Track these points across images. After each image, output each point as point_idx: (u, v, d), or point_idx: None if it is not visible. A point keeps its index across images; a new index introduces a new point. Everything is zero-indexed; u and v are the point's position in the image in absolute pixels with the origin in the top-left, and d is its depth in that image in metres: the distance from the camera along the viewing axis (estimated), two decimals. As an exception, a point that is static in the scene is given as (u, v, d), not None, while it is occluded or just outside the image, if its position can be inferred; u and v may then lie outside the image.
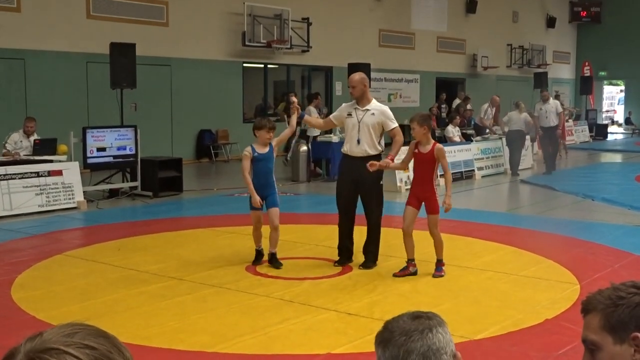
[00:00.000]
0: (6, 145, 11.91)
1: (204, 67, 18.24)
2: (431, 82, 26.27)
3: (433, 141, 7.03)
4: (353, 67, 16.73)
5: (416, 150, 6.93)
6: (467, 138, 17.34)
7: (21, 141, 11.99)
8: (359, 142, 7.18)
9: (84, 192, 11.47)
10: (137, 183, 12.53)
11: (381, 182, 7.42)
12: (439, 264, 7.03)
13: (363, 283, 6.82)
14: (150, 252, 8.09)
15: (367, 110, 7.21)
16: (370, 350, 5.16)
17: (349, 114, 7.31)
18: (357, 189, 7.30)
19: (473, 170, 15.33)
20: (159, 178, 12.48)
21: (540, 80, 25.97)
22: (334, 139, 15.11)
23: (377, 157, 7.27)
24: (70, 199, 11.14)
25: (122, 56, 12.68)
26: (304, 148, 14.82)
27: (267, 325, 5.56)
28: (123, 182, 12.73)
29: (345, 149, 7.35)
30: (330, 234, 8.83)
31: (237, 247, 8.31)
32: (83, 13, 15.84)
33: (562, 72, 34.64)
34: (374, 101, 7.38)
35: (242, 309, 5.99)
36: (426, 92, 25.79)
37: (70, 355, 1.04)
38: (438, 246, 7.05)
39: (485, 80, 28.50)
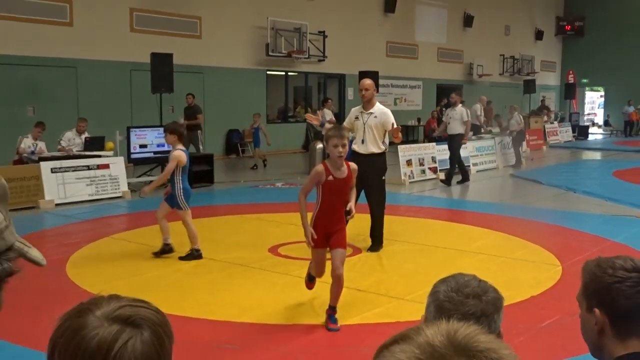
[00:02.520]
0: (61, 142, 12.03)
1: (232, 74, 18.27)
2: (432, 88, 26.17)
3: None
4: (363, 75, 16.64)
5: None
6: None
7: (74, 139, 12.11)
8: (363, 141, 7.22)
9: (128, 183, 11.53)
10: (174, 175, 12.60)
11: (383, 177, 7.42)
12: (331, 311, 4.93)
13: (371, 264, 6.86)
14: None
15: (371, 113, 7.21)
16: (377, 322, 5.21)
17: (357, 117, 7.35)
18: (362, 183, 7.17)
19: (469, 165, 15.27)
20: (193, 171, 12.51)
21: (529, 87, 25.87)
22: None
23: (381, 154, 7.30)
24: (116, 189, 11.22)
25: (161, 65, 12.75)
26: (320, 145, 14.82)
27: (288, 298, 5.61)
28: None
29: (355, 147, 7.35)
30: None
31: (261, 232, 8.36)
32: (127, 27, 15.91)
33: (549, 79, 34.42)
34: (377, 105, 7.35)
35: (264, 285, 6.04)
36: (428, 97, 25.73)
37: (145, 308, 1.08)
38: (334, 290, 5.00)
39: (480, 86, 28.32)
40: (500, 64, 30.16)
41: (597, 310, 1.60)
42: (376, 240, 7.42)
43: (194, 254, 6.98)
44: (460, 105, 13.53)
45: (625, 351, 1.58)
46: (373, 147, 7.22)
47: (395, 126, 7.20)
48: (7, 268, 1.11)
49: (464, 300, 1.64)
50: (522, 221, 9.32)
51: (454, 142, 13.22)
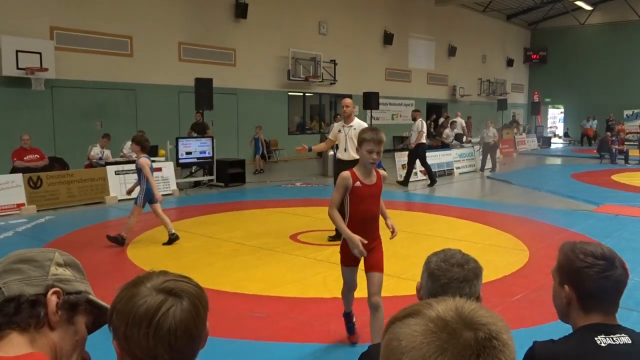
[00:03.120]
0: (123, 150, 12.10)
1: (260, 95, 18.31)
2: (423, 105, 26.04)
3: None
4: (367, 95, 16.67)
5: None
6: (447, 146, 17.14)
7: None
8: (345, 149, 7.08)
9: (176, 183, 11.56)
10: (213, 177, 12.64)
11: None
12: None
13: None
14: (222, 225, 8.16)
15: (351, 126, 7.06)
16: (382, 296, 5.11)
17: (339, 131, 7.19)
18: None
19: (453, 169, 15.20)
20: (228, 173, 12.59)
21: (502, 105, 25.69)
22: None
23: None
24: (167, 187, 11.26)
25: (203, 87, 12.79)
26: (331, 153, 14.72)
27: (305, 277, 5.60)
28: (203, 176, 12.85)
29: (338, 155, 7.21)
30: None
31: (284, 222, 8.36)
32: (176, 57, 15.98)
33: (518, 98, 34.22)
34: (355, 119, 7.19)
35: (287, 266, 6.04)
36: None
37: (185, 282, 1.12)
38: None
39: (462, 104, 28.19)
40: (479, 86, 30.03)
41: (567, 287, 1.61)
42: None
43: (172, 238, 6.95)
44: (419, 120, 12.96)
45: (587, 322, 1.59)
46: (354, 153, 7.06)
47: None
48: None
49: (449, 268, 1.67)
50: (496, 214, 9.25)
51: (420, 150, 12.70)
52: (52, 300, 1.00)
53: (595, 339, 1.54)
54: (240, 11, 17.25)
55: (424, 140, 12.83)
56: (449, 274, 1.67)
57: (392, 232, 3.88)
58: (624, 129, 23.47)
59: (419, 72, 25.70)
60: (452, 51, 27.50)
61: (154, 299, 1.05)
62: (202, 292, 1.13)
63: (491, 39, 30.88)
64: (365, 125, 7.24)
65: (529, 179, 14.19)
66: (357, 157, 6.94)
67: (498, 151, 18.38)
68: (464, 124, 17.88)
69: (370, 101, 16.36)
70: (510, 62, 32.92)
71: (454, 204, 10.14)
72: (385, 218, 3.89)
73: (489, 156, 16.07)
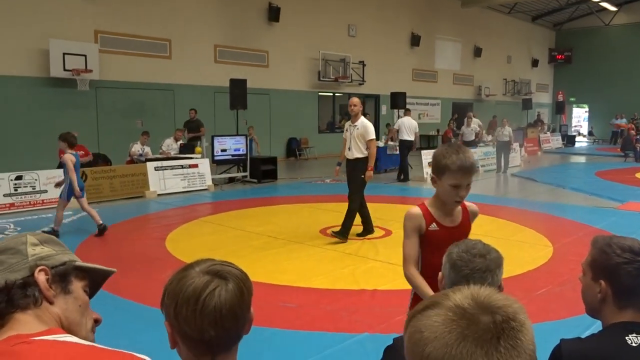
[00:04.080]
0: (162, 147, 12.29)
1: (291, 95, 18.35)
2: (448, 105, 25.75)
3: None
4: (394, 95, 16.56)
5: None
6: (472, 144, 16.78)
7: (172, 144, 12.34)
8: (350, 149, 6.89)
9: (212, 178, 11.66)
10: (247, 173, 12.73)
11: (362, 176, 6.81)
12: None
13: (400, 242, 6.74)
14: (255, 219, 8.20)
15: (356, 126, 6.85)
16: (403, 288, 5.11)
17: (346, 130, 7.04)
18: (347, 181, 7.08)
19: (477, 167, 14.96)
20: (261, 170, 12.65)
21: (527, 104, 25.20)
22: (380, 144, 14.98)
23: (363, 159, 6.81)
24: (203, 183, 11.37)
25: (238, 88, 12.87)
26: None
27: (334, 269, 5.60)
28: (238, 172, 12.94)
29: (344, 153, 7.05)
30: (375, 210, 8.80)
31: (314, 217, 8.37)
32: (212, 59, 16.13)
33: (543, 98, 33.50)
34: (361, 119, 6.89)
35: (316, 258, 6.04)
36: (445, 113, 25.31)
37: (230, 266, 1.18)
38: None
39: (487, 104, 27.79)
40: (504, 86, 29.51)
41: (602, 282, 1.53)
42: (342, 229, 6.81)
43: (100, 229, 6.95)
44: (409, 117, 13.44)
45: (621, 319, 1.51)
46: (357, 153, 6.86)
47: (368, 171, 6.77)
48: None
49: (472, 259, 1.64)
50: (520, 211, 9.09)
51: (404, 148, 13.08)
52: (41, 278, 1.00)
53: (627, 338, 1.46)
54: (273, 15, 17.31)
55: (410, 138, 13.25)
56: (472, 265, 1.64)
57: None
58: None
59: (445, 73, 25.39)
60: (477, 52, 27.10)
61: (200, 280, 1.10)
62: (246, 277, 1.18)
63: (516, 40, 30.30)
64: (370, 125, 6.94)
65: (553, 176, 13.89)
66: (359, 156, 6.78)
67: (523, 149, 18.05)
68: (478, 125, 17.11)
69: (397, 101, 16.23)
70: (535, 63, 32.26)
71: (479, 201, 9.98)
72: None
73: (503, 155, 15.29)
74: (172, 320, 1.10)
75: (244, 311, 1.12)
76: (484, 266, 1.64)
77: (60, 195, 7.05)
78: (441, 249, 1.96)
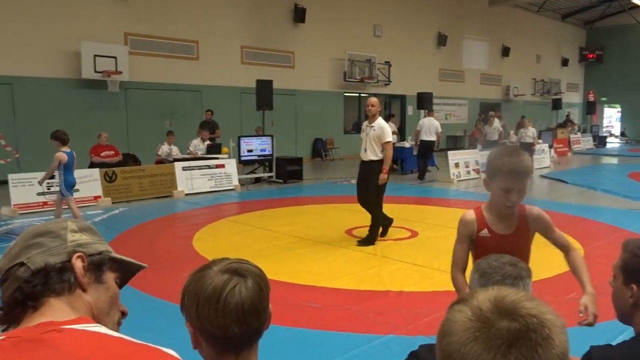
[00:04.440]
0: (189, 147, 12.42)
1: (317, 96, 18.36)
2: (476, 105, 25.42)
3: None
4: (420, 95, 16.42)
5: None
6: (495, 144, 16.55)
7: (199, 145, 12.47)
8: (365, 150, 6.69)
9: (238, 178, 11.72)
10: (273, 173, 12.77)
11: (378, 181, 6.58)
12: None
13: (426, 244, 6.70)
14: (281, 219, 8.22)
15: (372, 127, 6.65)
16: (430, 290, 5.06)
17: (362, 130, 6.86)
18: (363, 185, 6.77)
19: (532, 171, 14.69)
20: (287, 170, 12.69)
21: (556, 104, 24.71)
22: (407, 144, 14.89)
23: (378, 162, 6.58)
24: (229, 183, 11.45)
25: (264, 89, 12.93)
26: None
27: (360, 270, 5.57)
28: (264, 172, 13.01)
29: (360, 155, 6.88)
30: (401, 211, 8.74)
31: (340, 218, 8.34)
32: (238, 60, 16.25)
33: (573, 98, 32.80)
34: (379, 119, 6.65)
35: (342, 259, 6.01)
36: (472, 113, 24.99)
37: (250, 264, 1.20)
38: None
39: (516, 104, 27.36)
40: (532, 86, 29.01)
41: (634, 287, 1.47)
42: (368, 237, 6.65)
43: None
44: (431, 118, 13.60)
45: None
46: (372, 155, 6.64)
47: (382, 174, 6.52)
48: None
49: (502, 266, 1.61)
50: (550, 213, 8.81)
51: (423, 148, 13.30)
52: (78, 264, 1.01)
53: None
54: (299, 16, 17.36)
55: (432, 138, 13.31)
56: (502, 271, 1.60)
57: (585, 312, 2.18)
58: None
59: (473, 73, 25.08)
60: (505, 51, 26.69)
61: (220, 278, 1.12)
62: (263, 273, 1.20)
63: (546, 39, 29.74)
64: (387, 127, 6.71)
65: (584, 178, 13.57)
66: (374, 158, 6.56)
67: (552, 150, 17.69)
68: (499, 125, 16.65)
69: (423, 101, 16.10)
70: (565, 62, 31.62)
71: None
72: (582, 284, 2.32)
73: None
74: (194, 321, 1.12)
75: (264, 306, 1.15)
76: (515, 273, 1.60)
77: (62, 193, 7.14)
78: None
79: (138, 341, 0.89)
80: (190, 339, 1.14)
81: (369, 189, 6.68)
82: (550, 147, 17.45)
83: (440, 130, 13.60)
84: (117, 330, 1.04)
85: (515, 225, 2.27)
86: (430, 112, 14.30)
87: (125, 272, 1.15)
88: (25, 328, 0.91)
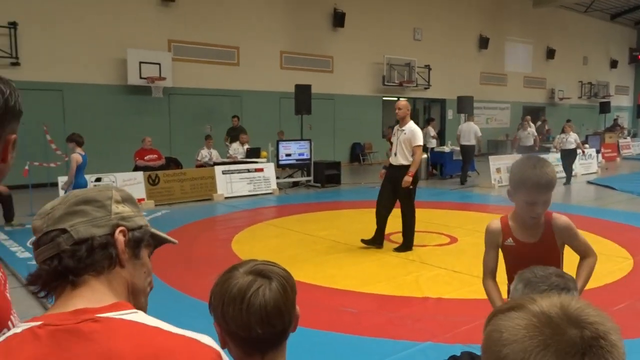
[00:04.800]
0: (229, 151, 12.61)
1: (356, 100, 18.35)
2: (518, 109, 24.85)
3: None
4: (461, 99, 16.18)
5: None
6: (547, 150, 16.11)
7: (238, 149, 12.64)
8: (395, 154, 6.53)
9: (276, 182, 11.82)
10: (311, 177, 12.82)
11: (411, 187, 6.42)
12: None
13: (465, 250, 6.58)
14: (319, 223, 8.23)
15: (403, 130, 6.49)
16: (469, 298, 4.97)
17: (394, 134, 6.70)
18: (394, 191, 6.54)
19: (555, 181, 14.25)
20: (325, 174, 12.72)
21: (604, 108, 23.88)
22: (446, 149, 14.70)
23: (409, 166, 6.40)
24: (268, 187, 11.55)
25: (302, 93, 13.01)
26: (425, 155, 14.50)
27: (397, 275, 5.52)
28: (302, 176, 13.07)
29: (390, 159, 6.73)
30: (441, 216, 8.62)
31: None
32: (278, 65, 16.42)
33: (622, 101, 31.60)
34: (409, 123, 6.50)
35: (379, 264, 5.98)
36: (515, 117, 24.42)
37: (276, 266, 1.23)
38: None
39: (561, 107, 26.60)
40: (579, 88, 28.12)
41: None
42: (404, 243, 6.56)
43: None
44: (471, 122, 13.53)
45: None
46: (403, 159, 6.46)
47: (407, 176, 6.33)
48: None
49: (548, 276, 1.57)
50: (597, 220, 8.58)
51: (463, 152, 13.38)
52: (120, 239, 0.96)
53: None
54: (338, 20, 17.40)
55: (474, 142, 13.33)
56: (549, 281, 1.55)
57: None
58: None
59: (515, 75, 24.54)
60: (550, 53, 26.00)
61: (244, 279, 1.15)
62: (289, 276, 1.22)
63: (593, 40, 28.81)
64: (419, 131, 6.52)
65: (633, 184, 13.05)
66: (405, 163, 6.38)
67: (600, 156, 17.11)
68: (534, 130, 16.02)
69: (464, 105, 15.85)
70: (614, 64, 30.52)
71: (551, 209, 9.56)
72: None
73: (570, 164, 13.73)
74: (220, 321, 1.16)
75: (288, 308, 1.16)
76: (563, 284, 1.56)
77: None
78: (518, 265, 1.91)
79: (174, 330, 0.88)
80: (218, 339, 1.16)
81: (399, 194, 6.53)
82: (598, 152, 16.87)
83: (479, 134, 13.41)
84: (147, 304, 1.05)
85: (541, 234, 2.26)
86: (469, 117, 14.10)
87: (156, 247, 1.13)
88: (62, 314, 0.88)
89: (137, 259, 1.01)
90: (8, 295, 1.07)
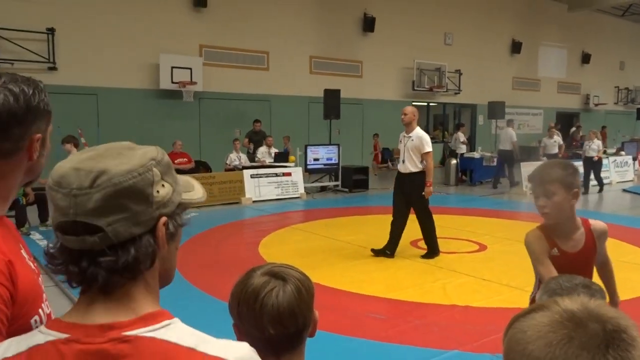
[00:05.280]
0: (257, 155, 12.71)
1: (384, 105, 18.26)
2: (552, 115, 24.35)
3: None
4: (492, 105, 15.98)
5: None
6: (579, 157, 15.69)
7: (266, 152, 12.73)
8: (403, 161, 6.43)
9: (304, 187, 11.87)
10: (339, 182, 12.82)
11: (423, 193, 6.32)
12: None
13: (495, 258, 6.49)
14: (346, 228, 8.23)
15: (410, 137, 6.35)
16: (498, 307, 4.90)
17: (400, 141, 6.60)
18: (407, 200, 6.46)
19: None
20: (353, 179, 12.70)
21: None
22: (476, 155, 14.52)
23: (419, 173, 6.32)
24: (295, 191, 11.60)
25: (331, 98, 13.04)
26: (454, 162, 14.38)
27: (424, 282, 5.48)
28: (329, 181, 13.09)
29: (398, 166, 6.66)
30: (470, 222, 8.52)
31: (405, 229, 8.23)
32: (307, 70, 16.49)
33: (661, 107, 30.67)
34: (416, 129, 6.41)
35: (407, 270, 5.94)
36: (548, 123, 23.96)
37: (293, 270, 1.24)
38: None
39: (596, 114, 25.97)
40: (615, 94, 27.40)
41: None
42: (430, 249, 6.51)
43: None
44: (508, 129, 13.64)
45: None
46: (411, 166, 6.37)
47: (427, 187, 6.30)
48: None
49: (574, 287, 1.53)
50: (633, 230, 8.35)
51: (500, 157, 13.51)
52: (161, 232, 0.83)
53: None
54: (368, 25, 17.39)
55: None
56: (575, 293, 1.52)
57: None
58: None
59: (549, 81, 24.08)
60: (585, 58, 25.42)
61: (259, 280, 1.18)
62: (306, 279, 1.23)
63: (631, 44, 28.05)
64: (426, 136, 6.43)
65: (672, 193, 12.65)
66: (414, 170, 6.29)
67: (637, 163, 16.63)
68: (560, 139, 15.50)
69: (495, 110, 15.66)
70: (653, 68, 29.67)
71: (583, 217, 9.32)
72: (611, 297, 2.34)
73: (592, 174, 13.11)
74: (237, 321, 1.19)
75: (303, 311, 1.17)
76: (590, 295, 1.52)
77: None
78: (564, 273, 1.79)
79: (210, 350, 0.79)
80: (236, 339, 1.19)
81: (412, 203, 6.43)
82: (634, 159, 16.42)
83: (514, 139, 13.36)
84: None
85: (583, 242, 2.23)
86: (509, 122, 14.21)
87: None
88: (88, 328, 0.79)
89: (172, 241, 0.88)
90: (41, 284, 1.10)
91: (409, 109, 6.54)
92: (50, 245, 0.83)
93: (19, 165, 1.11)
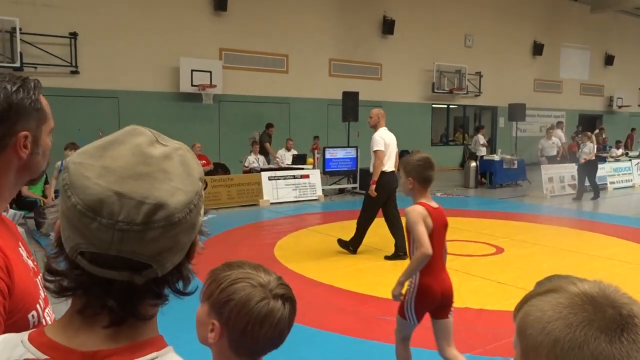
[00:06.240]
0: (276, 157, 12.78)
1: (404, 107, 18.20)
2: (574, 117, 23.98)
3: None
4: (512, 107, 15.80)
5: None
6: (602, 159, 15.46)
7: (284, 155, 12.79)
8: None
9: (322, 189, 11.88)
10: (357, 184, 12.81)
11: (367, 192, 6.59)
12: None
13: (510, 262, 6.42)
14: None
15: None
16: (512, 310, 4.86)
17: None
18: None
19: (606, 183, 13.75)
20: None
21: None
22: (496, 157, 14.37)
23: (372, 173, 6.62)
24: (313, 193, 11.62)
25: (350, 100, 13.03)
26: (474, 164, 14.25)
27: (438, 285, 5.45)
28: (347, 183, 13.08)
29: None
30: (487, 226, 8.44)
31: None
32: (326, 73, 16.52)
33: (689, 108, 29.93)
34: (379, 130, 6.59)
35: (421, 273, 5.92)
36: (570, 125, 23.53)
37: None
38: None
39: (620, 116, 25.50)
40: (640, 96, 26.88)
41: None
42: (349, 241, 6.67)
43: None
44: (552, 138, 14.28)
45: None
46: (370, 165, 6.75)
47: (371, 185, 6.56)
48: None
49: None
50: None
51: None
52: (193, 252, 0.76)
53: None
54: (387, 28, 17.36)
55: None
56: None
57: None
58: None
59: (571, 83, 23.72)
60: (609, 60, 24.97)
61: (273, 304, 1.19)
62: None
63: (657, 45, 27.49)
64: (377, 136, 6.64)
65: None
66: (370, 169, 6.60)
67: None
68: (559, 140, 15.11)
69: (515, 113, 15.48)
70: (679, 70, 29.00)
71: (606, 220, 9.16)
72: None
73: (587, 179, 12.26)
74: (234, 334, 1.18)
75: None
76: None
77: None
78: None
79: None
80: (215, 333, 1.20)
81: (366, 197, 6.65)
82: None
83: (562, 141, 14.36)
84: None
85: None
86: (559, 124, 15.23)
87: None
88: (70, 354, 0.70)
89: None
90: (39, 284, 1.11)
91: (373, 112, 6.79)
92: (54, 262, 0.72)
93: (7, 164, 1.08)
